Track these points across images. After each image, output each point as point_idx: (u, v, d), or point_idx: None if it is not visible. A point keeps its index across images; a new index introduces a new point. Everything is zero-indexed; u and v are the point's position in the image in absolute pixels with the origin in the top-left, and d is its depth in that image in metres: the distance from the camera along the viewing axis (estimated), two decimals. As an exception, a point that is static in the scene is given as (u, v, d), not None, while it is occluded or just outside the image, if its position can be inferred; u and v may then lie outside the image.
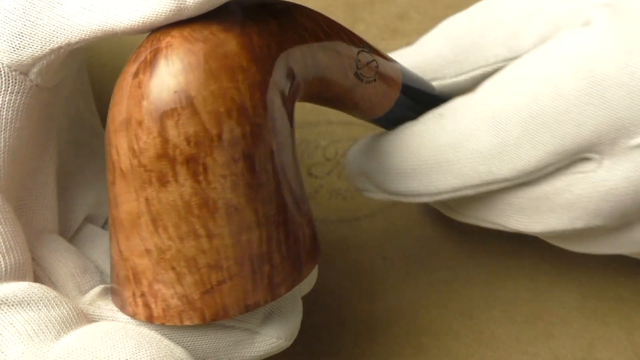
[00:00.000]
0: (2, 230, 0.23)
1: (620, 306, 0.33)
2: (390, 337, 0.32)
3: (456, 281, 0.34)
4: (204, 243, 0.22)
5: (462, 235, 0.35)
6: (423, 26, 0.40)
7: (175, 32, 0.22)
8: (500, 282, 0.34)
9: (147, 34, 0.23)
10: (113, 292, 0.24)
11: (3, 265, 0.22)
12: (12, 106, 0.23)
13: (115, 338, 0.22)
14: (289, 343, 0.25)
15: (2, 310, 0.22)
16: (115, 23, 0.22)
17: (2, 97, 0.23)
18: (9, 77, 0.23)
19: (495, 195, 0.28)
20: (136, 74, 0.22)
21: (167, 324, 0.23)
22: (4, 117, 0.23)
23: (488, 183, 0.27)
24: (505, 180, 0.27)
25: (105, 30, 0.22)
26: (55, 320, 0.22)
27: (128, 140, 0.22)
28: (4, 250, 0.22)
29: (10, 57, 0.23)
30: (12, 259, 0.23)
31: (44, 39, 0.22)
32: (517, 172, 0.26)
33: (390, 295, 0.33)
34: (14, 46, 0.22)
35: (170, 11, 0.21)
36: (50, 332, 0.22)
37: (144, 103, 0.21)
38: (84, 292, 0.25)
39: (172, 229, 0.22)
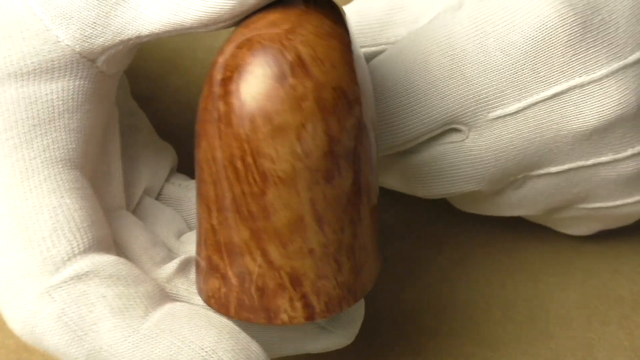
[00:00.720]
0: (85, 204, 0.23)
1: (620, 306, 0.33)
2: (391, 337, 0.32)
3: (456, 281, 0.34)
4: (357, 228, 0.23)
5: (462, 236, 0.35)
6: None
7: (302, 30, 0.22)
8: (500, 282, 0.34)
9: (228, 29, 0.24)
10: (245, 309, 0.23)
11: (91, 236, 0.23)
12: (82, 90, 0.24)
13: (199, 325, 0.23)
14: (349, 341, 0.26)
15: (95, 282, 0.22)
16: (185, 16, 0.23)
17: (74, 81, 0.24)
18: (79, 63, 0.24)
19: (389, 162, 0.30)
20: (282, 78, 0.21)
21: (329, 316, 0.23)
22: (75, 100, 0.24)
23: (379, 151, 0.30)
24: (391, 148, 0.29)
25: (174, 24, 0.23)
26: (143, 296, 0.23)
27: (289, 145, 0.21)
28: (90, 223, 0.23)
29: (82, 45, 0.23)
30: (97, 232, 0.23)
31: (115, 30, 0.23)
32: (399, 140, 0.29)
33: (390, 295, 0.33)
34: (87, 35, 0.23)
35: (236, 1, 0.22)
36: (139, 308, 0.23)
37: (305, 105, 0.21)
38: (157, 264, 0.25)
39: (335, 222, 0.22)
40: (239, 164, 0.22)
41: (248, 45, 0.22)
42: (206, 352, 0.22)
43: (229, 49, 0.22)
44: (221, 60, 0.22)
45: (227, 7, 0.22)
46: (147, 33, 0.23)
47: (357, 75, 0.22)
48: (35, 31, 0.23)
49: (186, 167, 0.33)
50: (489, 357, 0.31)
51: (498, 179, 0.29)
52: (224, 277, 0.23)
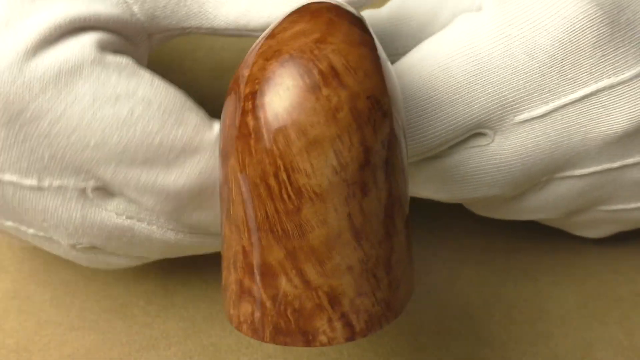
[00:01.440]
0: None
1: (620, 306, 0.33)
2: (390, 337, 0.32)
3: (456, 281, 0.34)
4: (394, 241, 0.22)
5: (462, 236, 0.35)
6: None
7: (333, 39, 0.21)
8: (500, 282, 0.34)
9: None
10: (282, 333, 0.22)
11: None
12: (143, 59, 0.28)
13: None
14: None
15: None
16: (252, 19, 0.25)
17: (140, 50, 0.27)
18: (144, 36, 0.27)
19: (412, 168, 0.30)
20: (315, 88, 0.21)
21: (369, 334, 0.22)
22: (139, 67, 0.26)
23: None
24: (415, 155, 0.29)
25: (238, 25, 0.25)
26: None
27: (325, 158, 0.21)
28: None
29: (150, 22, 0.27)
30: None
31: (180, 17, 0.26)
32: (422, 148, 0.28)
33: (390, 295, 0.33)
34: (156, 15, 0.26)
35: None
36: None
37: (340, 115, 0.21)
38: None
39: (372, 237, 0.22)
40: (272, 181, 0.21)
41: (277, 57, 0.21)
42: None
43: (256, 61, 0.21)
44: (247, 72, 0.21)
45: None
46: (207, 26, 0.26)
47: (387, 82, 0.22)
48: (116, 2, 0.26)
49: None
50: (489, 357, 0.31)
51: (523, 182, 0.29)
52: (257, 301, 0.22)
